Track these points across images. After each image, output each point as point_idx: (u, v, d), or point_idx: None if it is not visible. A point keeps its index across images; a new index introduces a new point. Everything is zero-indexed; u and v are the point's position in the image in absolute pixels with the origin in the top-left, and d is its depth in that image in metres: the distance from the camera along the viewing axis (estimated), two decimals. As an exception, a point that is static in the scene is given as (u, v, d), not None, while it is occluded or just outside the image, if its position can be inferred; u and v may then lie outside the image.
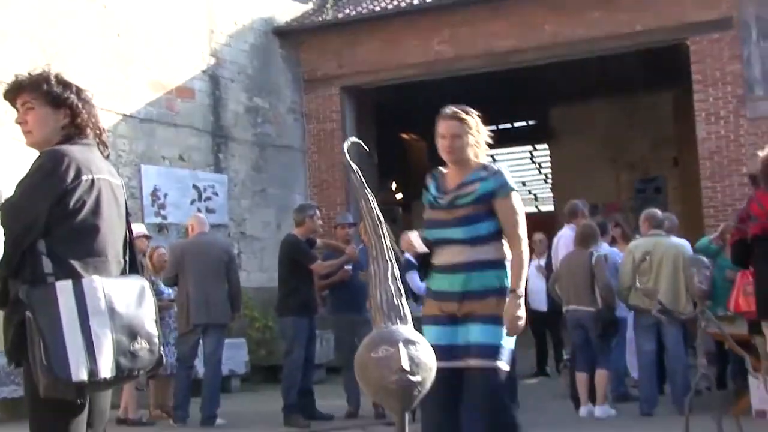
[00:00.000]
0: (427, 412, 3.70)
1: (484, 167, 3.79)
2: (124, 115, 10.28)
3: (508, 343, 3.65)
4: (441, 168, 3.96)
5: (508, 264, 3.72)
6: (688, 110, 12.39)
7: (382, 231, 1.93)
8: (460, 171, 3.81)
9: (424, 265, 3.86)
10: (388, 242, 1.91)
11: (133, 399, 7.63)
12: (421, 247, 3.73)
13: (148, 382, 7.83)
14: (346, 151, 2.18)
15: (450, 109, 3.81)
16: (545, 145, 21.20)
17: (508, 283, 3.69)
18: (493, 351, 3.59)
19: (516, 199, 3.73)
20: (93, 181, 2.78)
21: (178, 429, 7.31)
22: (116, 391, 7.18)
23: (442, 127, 3.78)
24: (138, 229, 7.58)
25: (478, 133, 3.80)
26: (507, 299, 3.64)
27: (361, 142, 2.56)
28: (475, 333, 3.60)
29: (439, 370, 2.61)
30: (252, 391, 10.07)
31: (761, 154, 5.21)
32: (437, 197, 3.82)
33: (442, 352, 3.19)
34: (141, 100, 10.59)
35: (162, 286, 7.70)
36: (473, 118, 3.79)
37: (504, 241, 3.75)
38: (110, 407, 3.06)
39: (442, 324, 3.64)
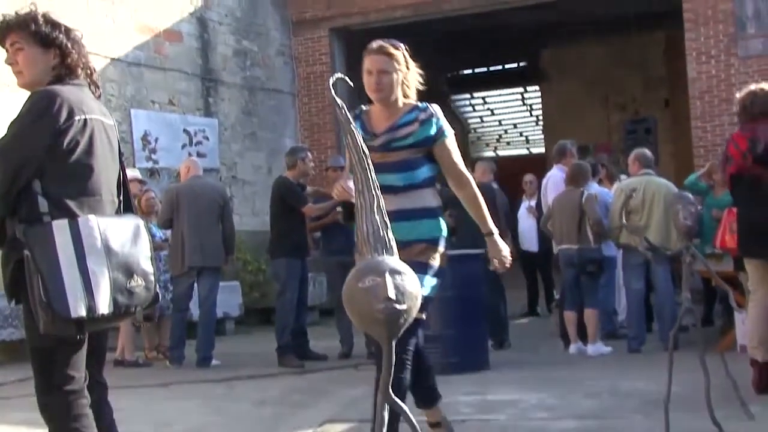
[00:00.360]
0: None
1: (417, 107, 3.50)
2: (112, 59, 10.19)
3: (429, 291, 3.40)
4: (363, 106, 3.63)
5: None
6: (679, 50, 12.34)
7: (368, 164, 1.96)
8: (389, 111, 3.51)
9: (348, 213, 3.58)
10: (373, 175, 1.95)
11: (130, 341, 7.72)
12: None
13: (142, 323, 7.91)
14: (331, 86, 2.19)
15: (376, 43, 3.49)
16: (536, 87, 21.15)
17: (443, 231, 3.52)
18: None
19: (452, 139, 3.52)
20: (85, 121, 2.80)
21: (174, 370, 7.41)
22: (113, 333, 7.28)
23: (368, 63, 3.46)
24: (132, 173, 7.60)
25: (408, 69, 3.50)
26: (492, 242, 3.55)
27: (347, 78, 2.56)
28: None
29: None
30: (246, 334, 10.18)
31: (738, 95, 5.21)
32: (365, 139, 3.41)
33: None
34: (129, 44, 10.48)
35: (154, 229, 7.74)
36: (402, 53, 3.48)
37: (435, 189, 3.56)
38: (107, 350, 3.13)
39: None
